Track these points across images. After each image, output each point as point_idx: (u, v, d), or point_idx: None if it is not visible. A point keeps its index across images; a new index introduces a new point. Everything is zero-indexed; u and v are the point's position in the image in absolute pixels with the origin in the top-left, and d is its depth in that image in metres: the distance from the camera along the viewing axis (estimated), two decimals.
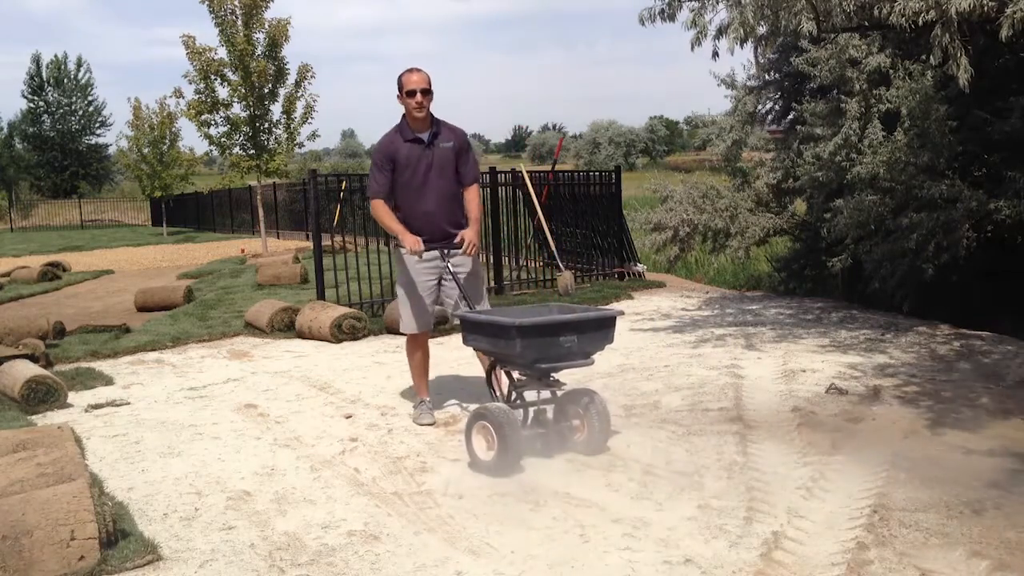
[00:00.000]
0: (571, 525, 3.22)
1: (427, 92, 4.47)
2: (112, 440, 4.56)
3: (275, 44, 15.73)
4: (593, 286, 9.62)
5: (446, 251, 4.52)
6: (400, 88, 4.49)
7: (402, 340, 6.73)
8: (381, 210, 4.53)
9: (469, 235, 4.48)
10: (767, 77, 9.11)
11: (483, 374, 4.36)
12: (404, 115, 4.56)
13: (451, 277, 4.50)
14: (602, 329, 3.94)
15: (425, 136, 4.53)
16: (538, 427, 4.02)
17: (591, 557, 2.95)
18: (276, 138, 16.54)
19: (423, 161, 4.51)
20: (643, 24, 5.80)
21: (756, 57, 5.85)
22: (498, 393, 4.17)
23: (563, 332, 3.80)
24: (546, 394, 4.05)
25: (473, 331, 4.07)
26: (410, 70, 4.51)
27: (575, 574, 2.85)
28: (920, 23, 4.33)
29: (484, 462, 3.79)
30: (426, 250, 4.44)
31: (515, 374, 4.09)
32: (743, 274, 11.39)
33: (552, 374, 3.93)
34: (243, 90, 15.66)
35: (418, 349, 4.74)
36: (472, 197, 4.66)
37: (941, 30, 4.22)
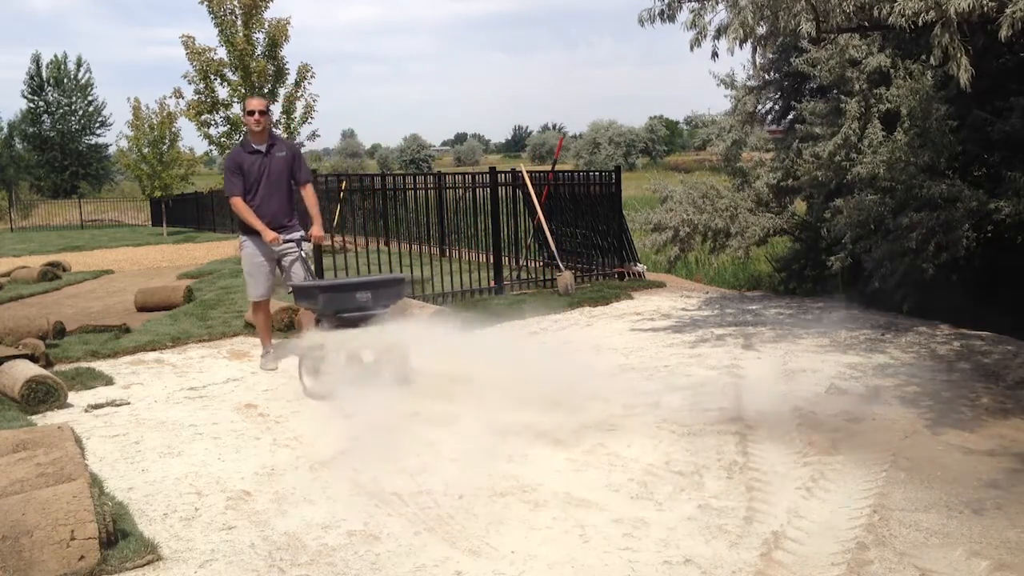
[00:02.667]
0: (571, 525, 3.22)
1: (263, 112, 5.79)
2: (112, 440, 4.56)
3: (275, 44, 15.74)
4: (593, 286, 9.62)
5: (298, 242, 5.83)
6: (243, 109, 5.86)
7: None
8: (242, 207, 5.76)
9: (318, 232, 5.90)
10: (767, 77, 9.11)
11: None
12: (246, 132, 5.88)
13: (295, 259, 5.80)
14: (390, 288, 5.34)
15: (263, 148, 5.81)
16: (357, 365, 5.25)
17: (591, 557, 2.95)
18: None
19: (263, 168, 5.79)
20: (642, 25, 5.79)
21: (755, 58, 5.84)
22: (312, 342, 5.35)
23: (358, 290, 5.16)
24: (364, 341, 5.18)
25: (300, 295, 5.49)
26: (252, 96, 5.85)
27: (575, 574, 2.85)
28: (920, 23, 4.33)
29: (313, 389, 5.18)
30: (284, 242, 5.75)
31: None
32: (743, 274, 11.40)
33: (359, 322, 5.16)
34: (243, 90, 15.66)
35: (261, 311, 6.16)
36: (309, 195, 5.98)
37: (941, 30, 4.22)
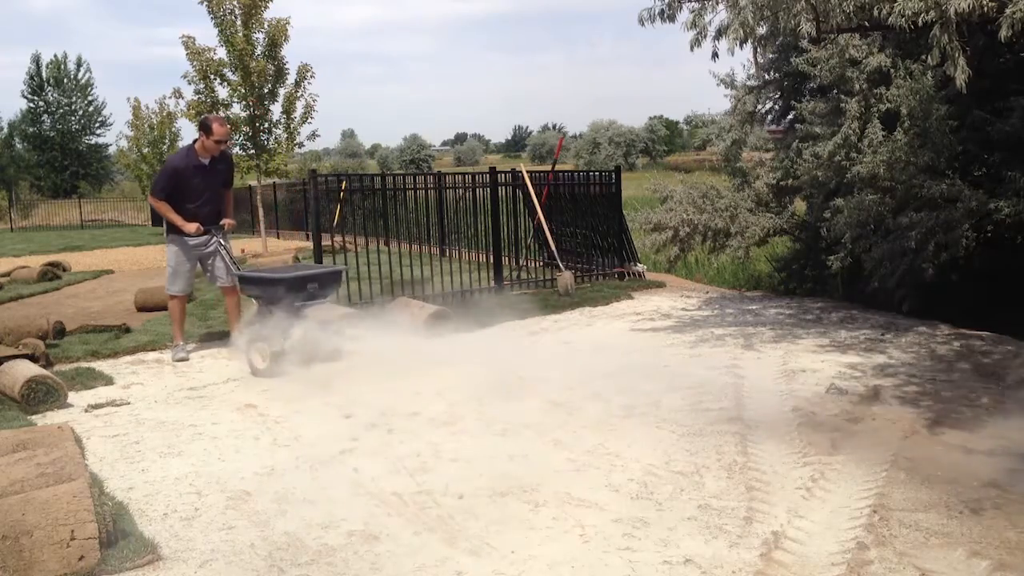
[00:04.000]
0: (571, 525, 3.22)
1: (227, 142, 6.63)
2: (112, 440, 4.56)
3: (274, 44, 15.70)
4: (593, 286, 9.62)
5: (217, 232, 6.55)
6: (208, 132, 6.36)
7: (401, 341, 6.73)
8: (163, 207, 6.41)
9: (230, 220, 6.72)
10: (767, 77, 9.11)
11: None
12: (196, 144, 6.47)
13: (216, 253, 6.54)
14: (333, 279, 6.21)
15: (207, 162, 6.49)
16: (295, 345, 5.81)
17: (591, 557, 2.96)
18: (276, 138, 16.51)
19: (203, 179, 6.46)
20: (643, 25, 5.80)
21: (755, 58, 5.86)
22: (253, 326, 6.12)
23: (308, 281, 5.94)
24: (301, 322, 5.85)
25: (249, 284, 6.26)
26: (220, 122, 6.44)
27: (575, 574, 2.85)
28: (920, 23, 4.33)
29: (260, 369, 5.82)
30: (203, 233, 6.45)
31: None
32: (743, 274, 11.39)
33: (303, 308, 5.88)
34: (243, 90, 15.63)
35: (179, 306, 6.73)
36: (229, 197, 6.83)
37: (940, 30, 4.22)
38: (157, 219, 32.24)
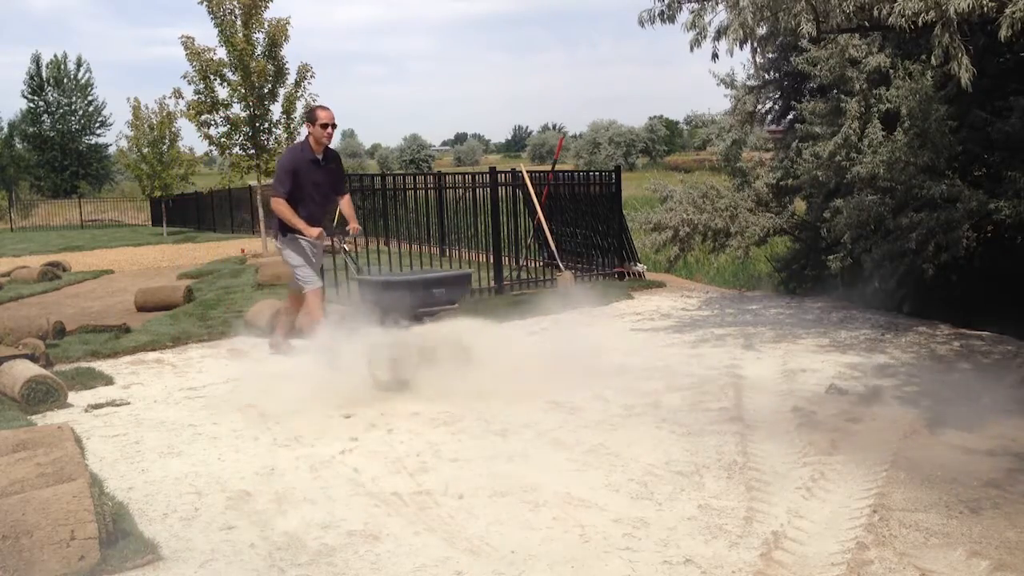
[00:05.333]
0: (571, 525, 3.22)
1: (335, 126, 5.99)
2: (112, 440, 4.56)
3: (274, 44, 15.69)
4: (593, 286, 9.62)
5: (343, 237, 6.24)
6: (313, 119, 5.93)
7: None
8: (285, 208, 5.92)
9: (356, 225, 6.19)
10: (767, 77, 9.12)
11: None
12: (308, 139, 5.99)
13: (320, 256, 6.24)
14: (459, 284, 5.74)
15: (320, 158, 5.99)
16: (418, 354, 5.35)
17: (591, 557, 2.95)
18: (276, 138, 16.51)
19: (317, 177, 6.00)
20: (642, 26, 5.80)
21: (755, 58, 5.84)
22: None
23: (434, 286, 5.47)
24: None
25: (368, 289, 5.67)
26: (323, 107, 5.94)
27: (575, 574, 2.85)
28: (920, 23, 4.33)
29: (383, 381, 5.23)
30: (324, 238, 6.09)
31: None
32: (743, 274, 11.40)
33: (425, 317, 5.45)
34: (243, 90, 15.63)
35: (318, 299, 6.18)
36: (347, 201, 6.30)
37: (941, 30, 4.22)
38: (157, 219, 32.23)
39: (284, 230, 6.04)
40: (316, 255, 6.19)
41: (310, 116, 5.98)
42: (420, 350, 5.32)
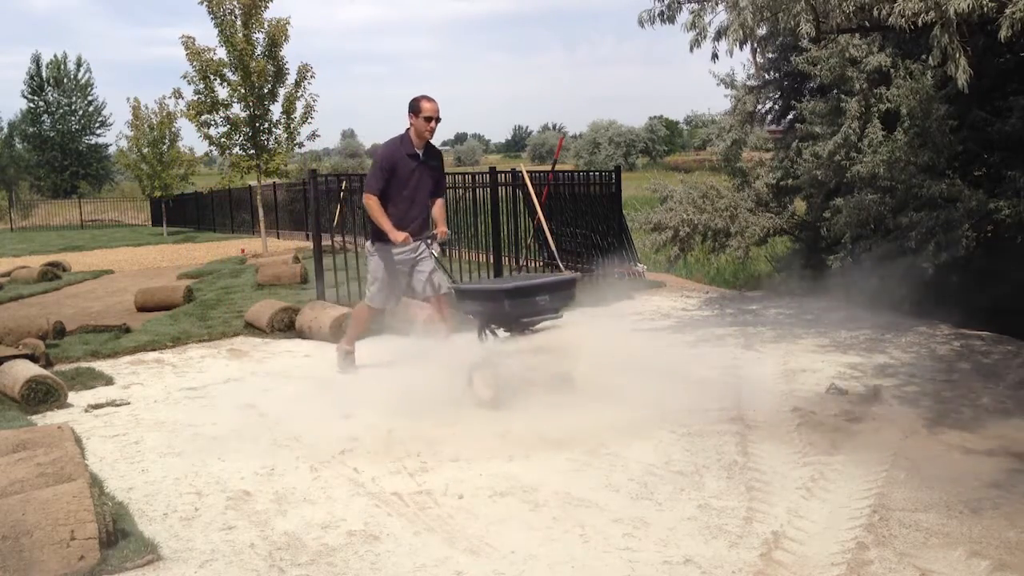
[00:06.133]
0: (571, 525, 3.22)
1: (439, 120, 5.44)
2: (112, 440, 4.56)
3: (274, 44, 15.70)
4: (593, 286, 9.61)
5: (429, 241, 5.54)
6: (416, 111, 5.39)
7: (403, 340, 6.70)
8: (376, 206, 5.43)
9: (445, 229, 5.59)
10: (767, 77, 9.11)
11: None
12: (409, 131, 5.47)
13: (426, 260, 5.56)
14: (565, 290, 5.05)
15: (420, 153, 5.48)
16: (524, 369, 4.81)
17: (591, 557, 2.96)
18: (276, 138, 16.51)
19: (416, 174, 5.49)
20: (642, 26, 5.80)
21: (755, 58, 5.85)
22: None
23: (538, 293, 4.89)
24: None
25: (466, 298, 5.11)
26: (428, 98, 5.41)
27: (575, 574, 2.85)
28: (920, 24, 4.33)
29: (486, 399, 4.69)
30: (411, 243, 5.44)
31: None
32: (743, 274, 11.39)
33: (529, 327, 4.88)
34: (243, 90, 15.64)
35: (369, 315, 5.83)
36: (441, 206, 5.72)
37: (940, 31, 4.22)
38: (157, 219, 32.23)
39: (376, 235, 5.55)
40: (404, 269, 5.58)
41: (414, 106, 5.41)
42: (523, 365, 4.77)
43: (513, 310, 4.80)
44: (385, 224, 5.37)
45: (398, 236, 5.34)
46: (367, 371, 5.86)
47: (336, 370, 5.89)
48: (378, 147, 5.90)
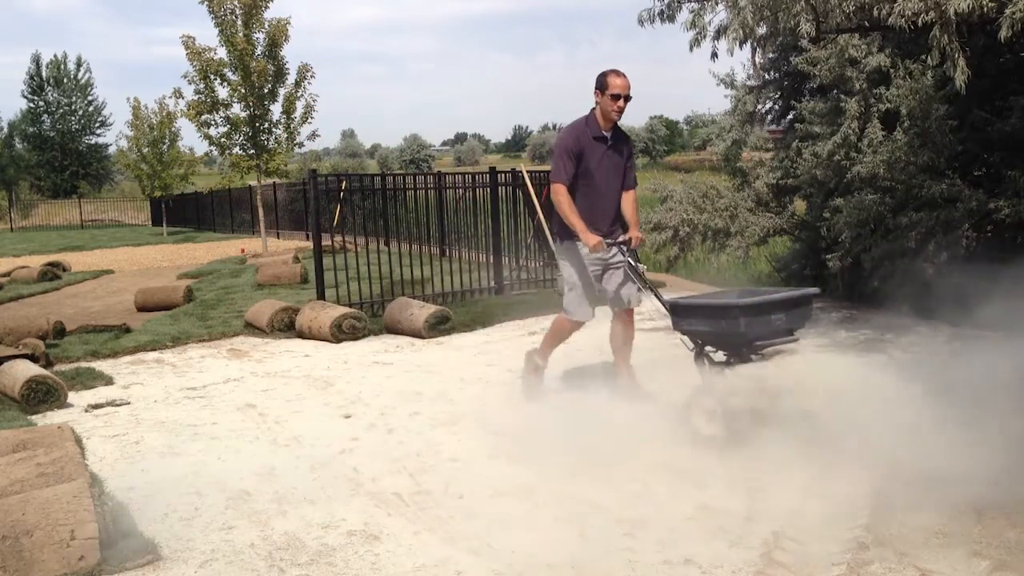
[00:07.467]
0: (571, 525, 3.22)
1: (629, 99, 4.67)
2: (112, 440, 4.56)
3: (275, 44, 15.72)
4: None
5: (625, 248, 4.80)
6: (603, 87, 4.63)
7: (402, 340, 6.73)
8: (565, 200, 4.66)
9: (639, 234, 4.88)
10: (767, 77, 9.11)
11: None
12: (594, 112, 4.71)
13: (618, 268, 4.89)
14: (802, 307, 4.25)
15: (608, 136, 4.72)
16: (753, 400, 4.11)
17: (591, 557, 2.95)
18: (276, 138, 16.52)
19: (604, 160, 4.73)
20: (642, 25, 5.81)
21: (755, 58, 5.86)
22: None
23: (774, 310, 4.09)
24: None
25: (686, 315, 4.41)
26: (617, 72, 4.65)
27: (575, 574, 2.85)
28: (919, 24, 4.33)
29: (708, 435, 4.04)
30: (608, 246, 4.70)
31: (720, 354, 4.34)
32: (743, 274, 11.39)
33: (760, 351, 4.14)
34: (243, 90, 15.65)
35: (571, 328, 4.98)
36: (632, 200, 4.96)
37: (940, 31, 4.22)
38: (157, 219, 32.23)
39: (564, 233, 4.82)
40: (596, 271, 4.91)
41: (600, 83, 4.65)
42: (757, 399, 4.05)
43: (748, 330, 4.08)
44: (577, 223, 4.61)
45: (591, 240, 4.59)
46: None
47: (520, 385, 5.11)
48: (561, 132, 5.12)
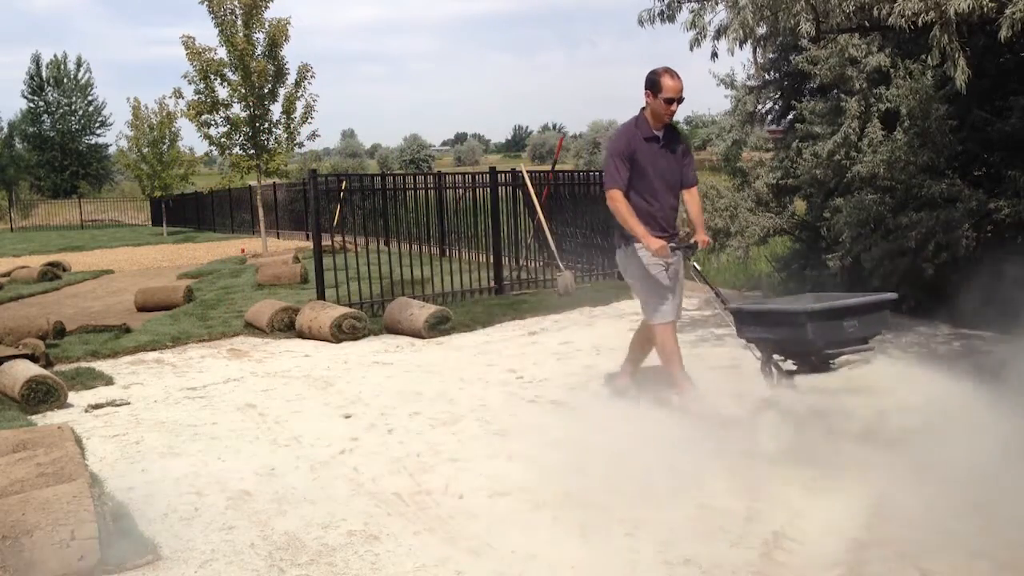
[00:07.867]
0: (571, 525, 3.22)
1: (682, 101, 4.51)
2: (112, 440, 4.56)
3: (275, 44, 15.72)
4: (593, 286, 9.62)
5: (689, 252, 4.65)
6: (656, 89, 4.47)
7: (402, 340, 6.73)
8: (623, 205, 4.57)
9: (705, 237, 4.70)
10: (767, 77, 9.11)
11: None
12: (644, 112, 4.58)
13: (676, 274, 4.68)
14: (877, 313, 4.00)
15: (660, 135, 4.58)
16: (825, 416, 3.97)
17: (591, 557, 2.95)
18: (276, 138, 16.52)
19: (659, 160, 4.59)
20: (642, 25, 5.81)
21: (755, 58, 5.86)
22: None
23: (846, 316, 3.88)
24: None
25: (749, 322, 4.19)
26: (671, 74, 4.48)
27: (575, 574, 2.85)
28: (920, 24, 4.33)
29: (771, 452, 3.83)
30: (667, 255, 4.52)
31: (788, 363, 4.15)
32: (743, 274, 11.39)
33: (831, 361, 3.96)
34: (243, 90, 15.65)
35: (671, 336, 4.68)
36: (695, 198, 4.80)
37: (940, 31, 4.22)
38: (157, 219, 32.22)
39: (628, 237, 4.67)
40: (672, 273, 4.68)
41: (652, 83, 4.47)
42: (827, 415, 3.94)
43: (817, 338, 3.86)
44: (637, 228, 4.48)
45: (653, 243, 4.43)
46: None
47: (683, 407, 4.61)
48: (612, 136, 4.99)
